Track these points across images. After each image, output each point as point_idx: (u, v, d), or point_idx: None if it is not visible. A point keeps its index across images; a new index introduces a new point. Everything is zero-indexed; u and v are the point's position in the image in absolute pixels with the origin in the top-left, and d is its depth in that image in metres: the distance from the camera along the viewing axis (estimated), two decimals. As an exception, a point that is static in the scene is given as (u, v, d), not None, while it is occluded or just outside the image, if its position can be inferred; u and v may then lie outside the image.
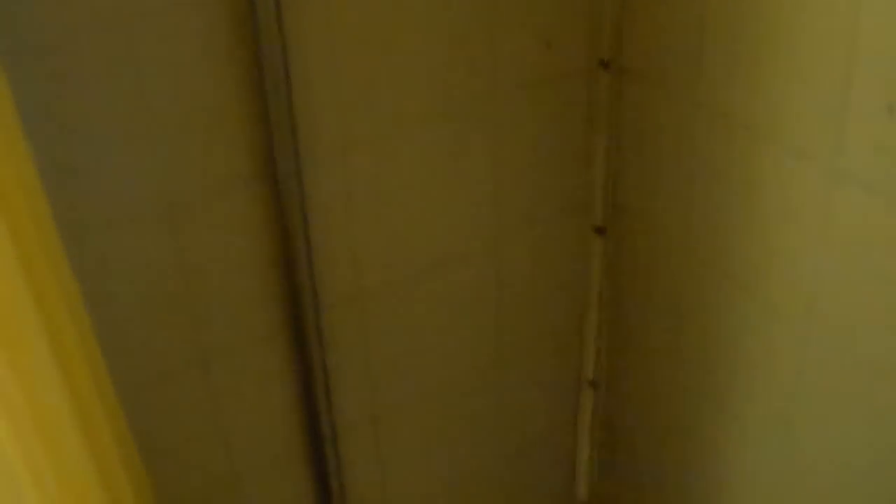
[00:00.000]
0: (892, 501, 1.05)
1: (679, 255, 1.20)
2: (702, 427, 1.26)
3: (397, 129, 1.04)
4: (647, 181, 1.21)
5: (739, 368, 1.16)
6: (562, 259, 1.30)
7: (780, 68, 0.98)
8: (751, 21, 0.99)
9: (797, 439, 1.13)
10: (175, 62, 0.88)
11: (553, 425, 1.46)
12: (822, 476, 1.12)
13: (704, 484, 1.30)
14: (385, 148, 1.05)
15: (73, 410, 0.63)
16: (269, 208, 0.99)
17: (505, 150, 1.15)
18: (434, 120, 1.07)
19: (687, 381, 1.26)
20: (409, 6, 0.99)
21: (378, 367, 1.18)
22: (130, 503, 0.74)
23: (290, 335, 1.07)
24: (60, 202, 0.68)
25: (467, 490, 1.40)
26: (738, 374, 1.17)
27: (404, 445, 1.27)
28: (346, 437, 1.18)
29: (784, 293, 1.06)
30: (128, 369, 0.92)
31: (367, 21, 0.97)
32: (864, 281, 0.97)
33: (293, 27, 0.91)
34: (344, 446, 1.18)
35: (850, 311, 1.00)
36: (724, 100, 1.05)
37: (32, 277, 0.60)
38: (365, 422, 1.20)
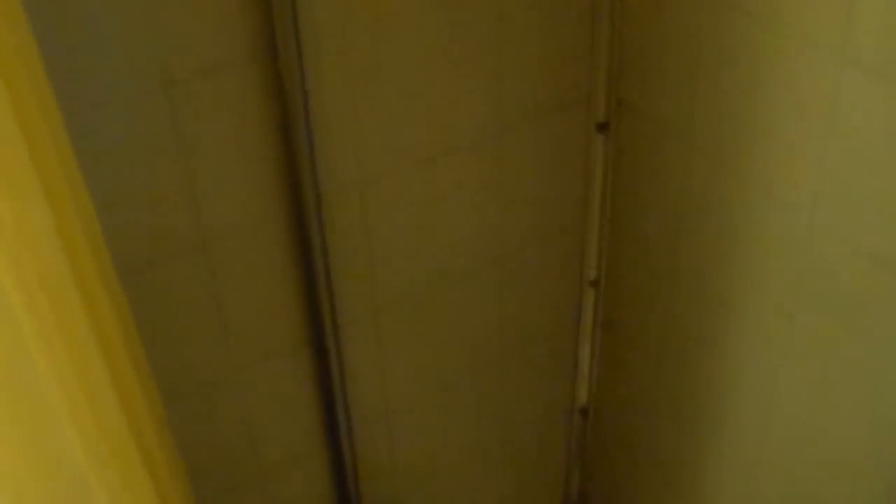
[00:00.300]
0: (893, 396, 1.06)
1: (682, 150, 1.18)
2: (701, 324, 1.26)
3: (397, 12, 1.02)
4: (650, 75, 1.20)
5: (741, 262, 1.16)
6: (564, 155, 1.29)
7: (788, -47, 0.95)
8: None
9: (798, 334, 1.13)
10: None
11: (554, 326, 1.46)
12: (823, 370, 1.12)
13: (704, 383, 1.31)
14: (385, 31, 1.03)
15: (74, 278, 0.62)
16: (269, 90, 0.97)
17: (505, 41, 1.13)
18: (433, 7, 1.04)
19: (687, 276, 1.26)
20: None
21: (379, 259, 1.17)
22: (132, 381, 0.74)
23: (291, 223, 1.07)
24: (56, 78, 0.67)
25: (465, 387, 1.40)
26: (740, 269, 1.16)
27: (404, 339, 1.27)
28: (347, 329, 1.19)
29: (788, 185, 1.05)
30: (126, 252, 0.91)
31: None
32: (870, 171, 0.96)
33: None
34: (345, 339, 1.19)
35: (855, 203, 0.99)
36: (730, -13, 1.03)
37: (33, 147, 0.59)
38: (366, 314, 1.20)
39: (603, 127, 1.28)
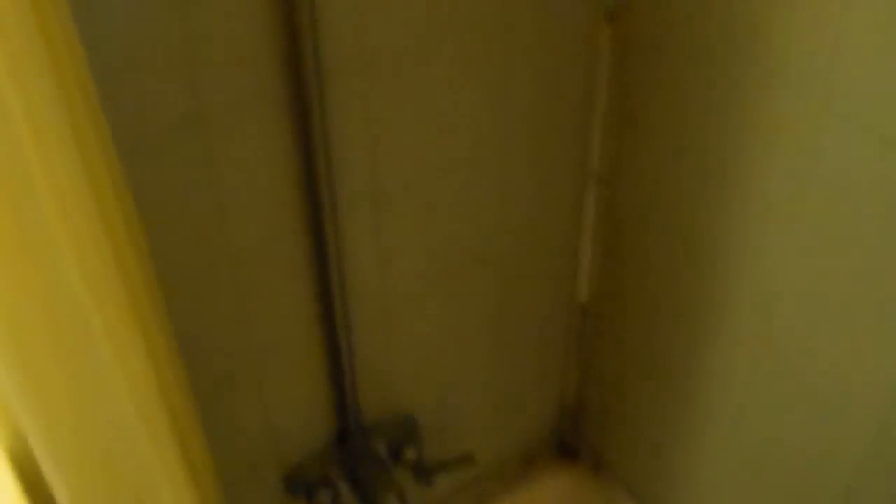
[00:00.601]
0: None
1: (691, 35, 1.15)
2: (704, 214, 1.24)
3: None
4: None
5: (747, 146, 1.13)
6: (570, 46, 1.25)
7: None
8: None
9: (803, 218, 1.11)
10: None
11: (555, 221, 1.44)
12: (825, 254, 1.10)
13: (706, 277, 1.29)
14: None
15: (70, 120, 0.62)
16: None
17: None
18: None
19: (691, 168, 1.23)
20: None
21: (381, 143, 1.15)
22: (133, 265, 0.73)
23: (291, 103, 1.03)
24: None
25: (464, 282, 1.39)
26: (745, 155, 1.14)
27: (403, 230, 1.25)
28: (345, 215, 1.16)
29: (801, 63, 1.03)
30: (124, 127, 0.88)
31: None
32: (889, 48, 0.94)
33: None
34: (343, 224, 1.17)
35: (870, 82, 0.97)
36: None
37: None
38: (365, 200, 1.18)
39: (611, 16, 1.25)
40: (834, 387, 1.17)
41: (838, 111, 1.00)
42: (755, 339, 1.25)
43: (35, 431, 0.69)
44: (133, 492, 0.79)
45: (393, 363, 1.39)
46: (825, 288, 1.12)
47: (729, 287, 1.26)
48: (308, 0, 0.95)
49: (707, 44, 1.13)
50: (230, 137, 1.02)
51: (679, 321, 1.38)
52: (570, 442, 1.79)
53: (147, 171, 0.97)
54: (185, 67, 0.95)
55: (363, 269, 1.25)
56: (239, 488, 1.33)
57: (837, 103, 1.00)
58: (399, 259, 1.28)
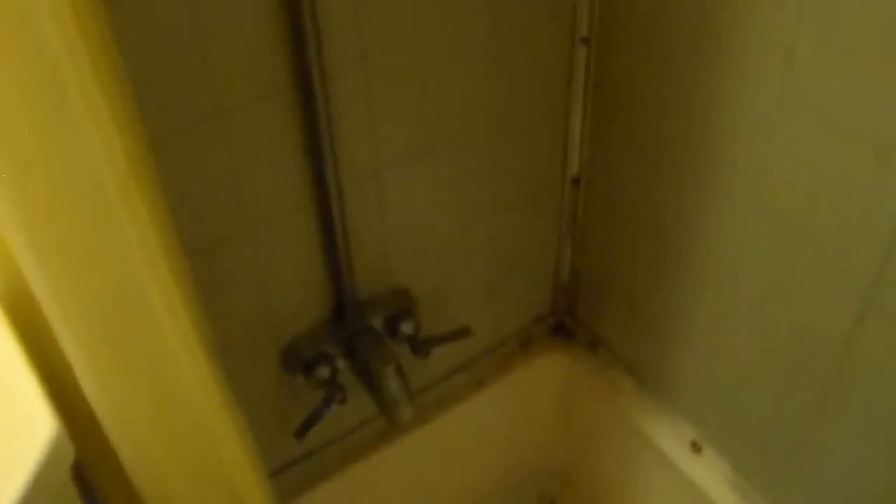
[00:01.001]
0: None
1: None
2: (699, 71, 1.23)
3: None
4: None
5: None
6: None
7: None
8: None
9: (797, 73, 1.10)
10: None
11: (545, 87, 1.43)
12: (824, 110, 1.09)
13: (701, 137, 1.28)
14: None
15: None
16: None
17: None
18: None
19: (684, 21, 1.22)
20: None
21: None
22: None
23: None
24: None
25: (455, 148, 1.38)
26: (743, 10, 1.12)
27: (392, 86, 1.23)
28: (334, 72, 1.15)
29: None
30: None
31: None
32: None
33: None
34: (332, 85, 1.15)
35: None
36: None
37: None
38: (353, 58, 1.16)
39: None
40: (830, 243, 1.16)
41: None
42: (751, 201, 1.25)
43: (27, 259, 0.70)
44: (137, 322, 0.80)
45: (387, 235, 1.39)
46: (821, 145, 1.11)
47: (724, 148, 1.25)
48: None
49: None
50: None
51: (672, 187, 1.38)
52: (565, 323, 1.80)
53: (126, 24, 0.95)
54: None
55: (354, 135, 1.23)
56: (236, 366, 1.33)
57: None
58: (390, 125, 1.27)
